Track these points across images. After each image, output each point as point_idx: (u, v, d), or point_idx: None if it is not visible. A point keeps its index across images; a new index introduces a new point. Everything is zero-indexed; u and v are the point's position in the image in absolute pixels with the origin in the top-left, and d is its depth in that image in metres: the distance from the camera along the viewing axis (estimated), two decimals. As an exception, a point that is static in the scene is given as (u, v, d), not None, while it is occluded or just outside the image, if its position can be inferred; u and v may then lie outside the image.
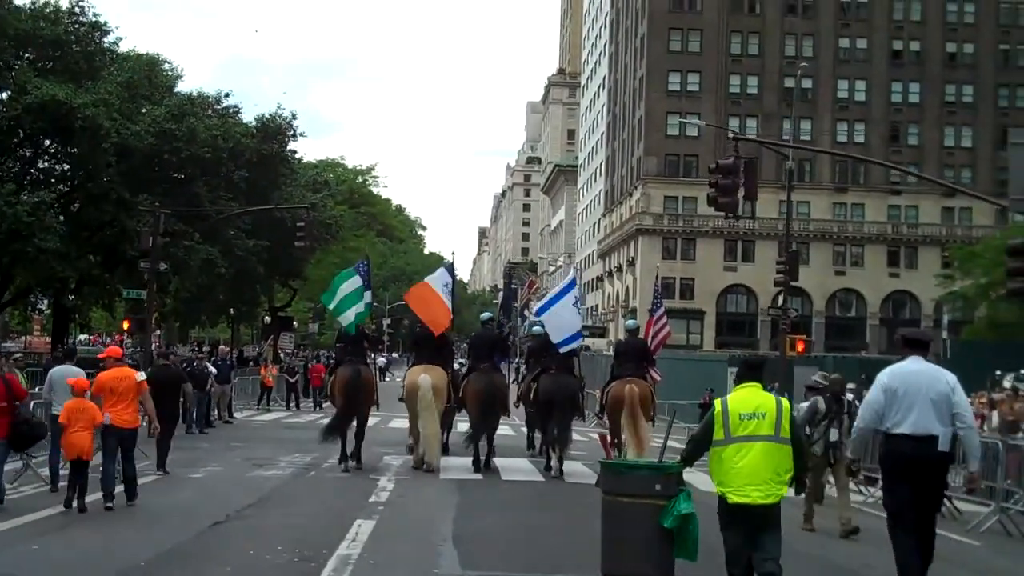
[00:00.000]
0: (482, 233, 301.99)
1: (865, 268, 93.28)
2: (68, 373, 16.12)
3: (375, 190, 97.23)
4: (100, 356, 17.31)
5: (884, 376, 10.12)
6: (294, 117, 53.40)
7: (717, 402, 9.00)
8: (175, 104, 46.54)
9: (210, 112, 49.35)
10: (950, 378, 10.04)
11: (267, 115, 52.46)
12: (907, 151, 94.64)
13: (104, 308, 54.55)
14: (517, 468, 22.26)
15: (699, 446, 9.12)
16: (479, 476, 20.47)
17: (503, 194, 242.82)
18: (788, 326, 35.99)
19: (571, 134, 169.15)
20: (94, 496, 14.76)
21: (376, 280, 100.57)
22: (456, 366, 24.31)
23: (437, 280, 22.18)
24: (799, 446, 8.97)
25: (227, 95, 52.23)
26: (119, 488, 15.01)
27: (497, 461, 22.22)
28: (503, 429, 27.12)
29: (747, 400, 8.87)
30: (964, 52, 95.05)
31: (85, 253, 44.97)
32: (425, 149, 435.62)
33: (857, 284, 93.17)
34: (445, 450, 22.82)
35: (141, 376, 15.71)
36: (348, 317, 21.78)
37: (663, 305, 29.45)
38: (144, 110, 45.80)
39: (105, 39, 46.56)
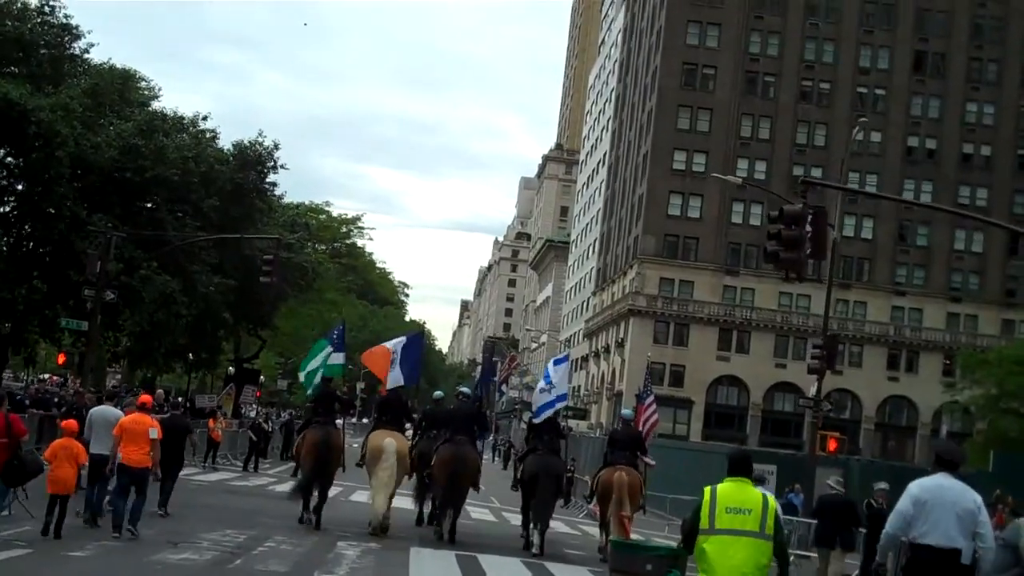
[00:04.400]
0: (464, 306, 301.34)
1: (863, 369, 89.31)
2: (108, 414, 17.78)
3: (360, 243, 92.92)
4: (138, 402, 18.06)
5: (915, 487, 10.46)
6: (276, 147, 49.09)
7: (707, 490, 9.05)
8: (144, 119, 41.90)
9: (184, 135, 44.62)
10: (977, 498, 10.38)
11: (246, 141, 47.91)
12: (915, 252, 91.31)
13: (47, 340, 48.92)
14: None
15: (692, 531, 9.05)
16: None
17: (489, 268, 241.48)
18: (821, 420, 31.44)
19: (564, 211, 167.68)
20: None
21: (355, 343, 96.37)
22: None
23: (395, 344, 23.03)
24: (780, 544, 9.05)
25: (205, 118, 47.71)
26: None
27: (482, 558, 18.28)
28: (482, 514, 27.13)
29: (734, 494, 8.95)
30: (980, 154, 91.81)
31: (28, 276, 40.03)
32: (413, 220, 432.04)
33: (854, 385, 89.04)
34: (419, 520, 23.14)
35: (154, 431, 16.86)
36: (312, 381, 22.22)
37: (652, 392, 30.99)
38: (110, 123, 41.00)
39: (75, 44, 42.08)
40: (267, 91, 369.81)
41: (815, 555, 23.64)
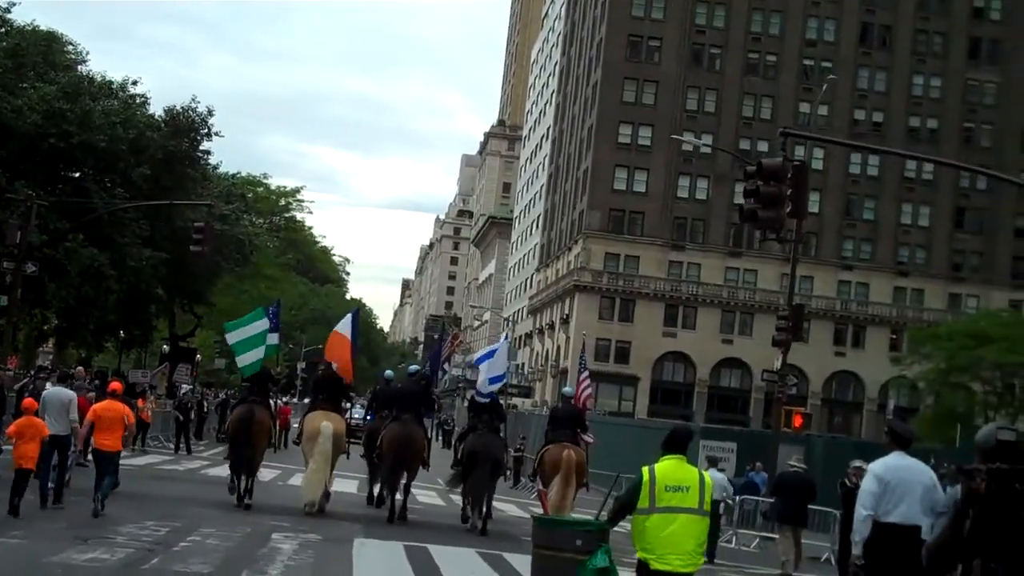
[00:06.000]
0: (405, 285, 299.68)
1: (810, 344, 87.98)
2: (61, 395, 18.07)
3: (299, 216, 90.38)
4: (109, 388, 18.94)
5: (877, 468, 10.81)
6: (210, 113, 46.70)
7: (644, 470, 9.07)
8: (69, 82, 39.52)
9: (113, 101, 42.22)
10: (932, 474, 10.90)
11: (179, 107, 45.56)
12: (861, 225, 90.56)
13: None
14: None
15: (624, 509, 9.23)
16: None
17: (430, 246, 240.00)
18: (785, 396, 29.96)
19: (506, 187, 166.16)
20: None
21: (294, 321, 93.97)
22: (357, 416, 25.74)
23: (344, 326, 23.01)
24: (713, 520, 10.85)
25: (135, 83, 45.23)
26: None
27: (433, 549, 16.61)
28: (429, 497, 26.73)
29: (673, 472, 9.06)
30: (927, 127, 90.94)
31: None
32: (355, 199, 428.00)
33: (800, 360, 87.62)
34: (370, 500, 23.50)
35: (127, 416, 17.60)
36: (245, 360, 21.80)
37: (586, 367, 30.58)
38: (32, 86, 38.54)
39: (-7, 3, 39.65)
40: (212, 71, 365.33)
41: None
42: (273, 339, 22.56)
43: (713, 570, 19.44)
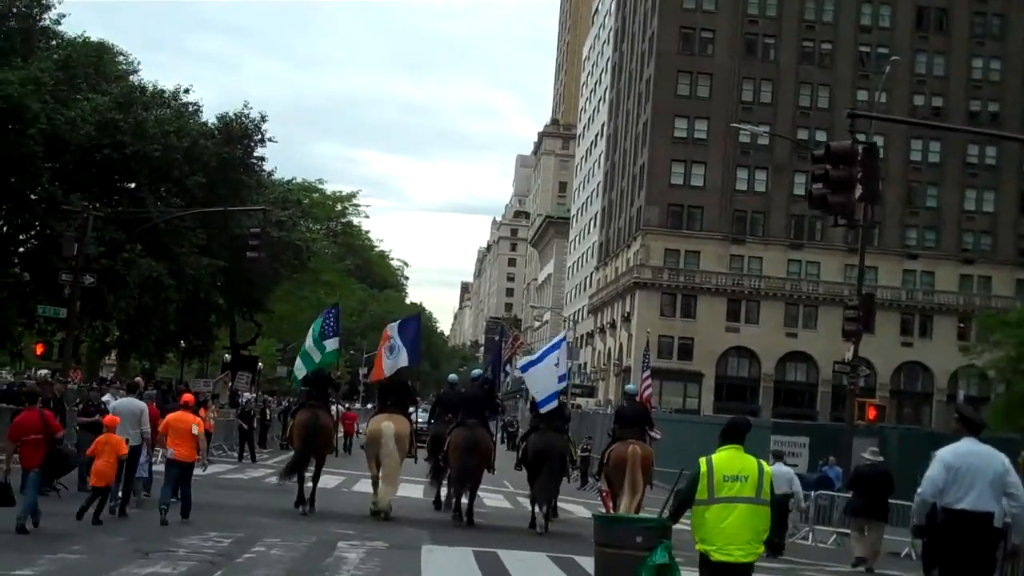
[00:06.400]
0: (464, 288, 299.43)
1: (877, 336, 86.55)
2: (132, 405, 18.59)
3: (355, 220, 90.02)
4: (181, 400, 19.67)
5: (946, 454, 10.57)
6: (263, 119, 46.50)
7: (702, 461, 9.06)
8: (121, 93, 39.40)
9: (165, 109, 42.07)
10: (1005, 459, 10.55)
11: (231, 114, 45.37)
12: (924, 213, 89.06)
13: (32, 332, 46.04)
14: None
15: (684, 502, 9.21)
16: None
17: (488, 248, 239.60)
18: (857, 388, 29.11)
19: (562, 186, 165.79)
20: None
21: (354, 327, 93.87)
22: (422, 420, 25.67)
23: (390, 330, 22.61)
24: (774, 508, 9.29)
25: (187, 91, 45.13)
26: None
27: (503, 554, 16.08)
28: (496, 500, 26.44)
29: (731, 462, 9.03)
30: (988, 110, 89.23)
31: (7, 264, 37.58)
32: (409, 204, 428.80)
33: (867, 352, 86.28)
34: (437, 505, 23.30)
35: (196, 427, 18.03)
36: (299, 365, 22.68)
37: (648, 365, 32.23)
38: (85, 98, 38.39)
39: (46, 15, 39.60)
40: (258, 79, 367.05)
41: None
42: (333, 344, 22.87)
43: (792, 569, 18.79)
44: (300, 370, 22.95)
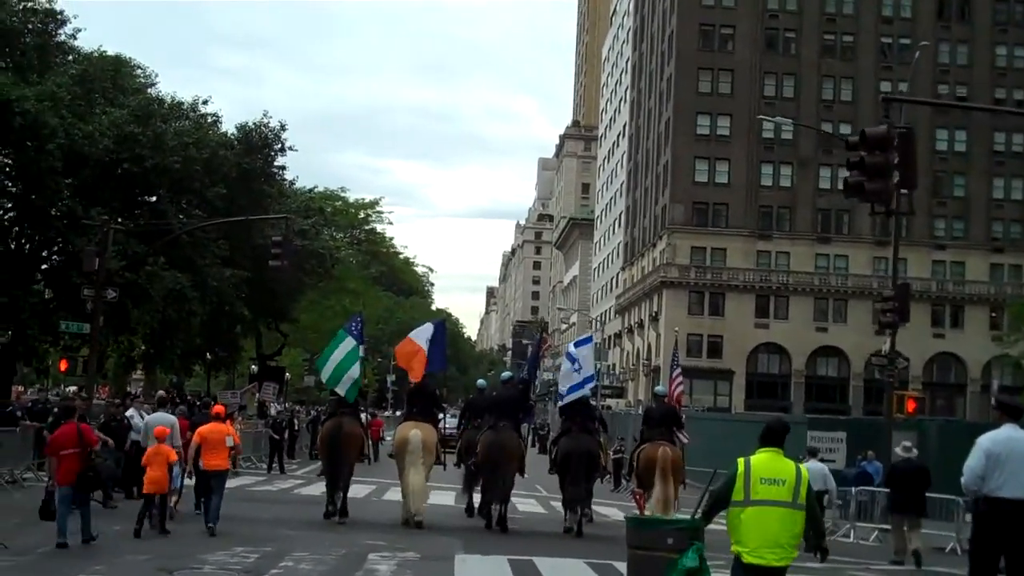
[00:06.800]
0: (490, 292, 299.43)
1: (908, 328, 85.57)
2: (163, 420, 19.23)
3: (379, 227, 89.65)
4: (212, 412, 19.91)
5: (986, 441, 10.47)
6: (283, 127, 46.22)
7: (740, 462, 8.96)
8: (139, 105, 39.09)
9: (184, 121, 41.76)
10: None
11: (251, 124, 45.07)
12: (952, 203, 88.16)
13: (56, 348, 45.61)
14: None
15: (718, 503, 9.13)
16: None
17: (512, 252, 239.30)
18: (896, 380, 28.49)
19: (585, 188, 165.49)
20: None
21: (380, 335, 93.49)
22: (451, 425, 25.89)
23: (420, 335, 22.43)
24: (813, 513, 9.02)
25: (205, 102, 44.83)
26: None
27: (539, 561, 15.62)
28: (530, 506, 26.17)
29: (769, 465, 8.92)
30: (1013, 98, 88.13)
31: (30, 280, 37.31)
32: (433, 211, 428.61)
33: (899, 345, 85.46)
34: (469, 511, 23.09)
35: (231, 439, 18.71)
36: (345, 383, 21.52)
37: (679, 364, 31.61)
38: (102, 112, 38.11)
39: (61, 30, 39.33)
40: (279, 90, 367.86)
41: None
42: (360, 352, 22.42)
43: (838, 569, 18.26)
44: (346, 386, 21.71)
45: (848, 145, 18.86)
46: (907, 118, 79.49)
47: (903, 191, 20.55)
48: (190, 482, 19.64)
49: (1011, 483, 10.21)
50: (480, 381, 26.99)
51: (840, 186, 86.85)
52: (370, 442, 27.82)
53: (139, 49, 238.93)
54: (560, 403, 22.47)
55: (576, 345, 23.37)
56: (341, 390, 21.55)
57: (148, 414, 24.31)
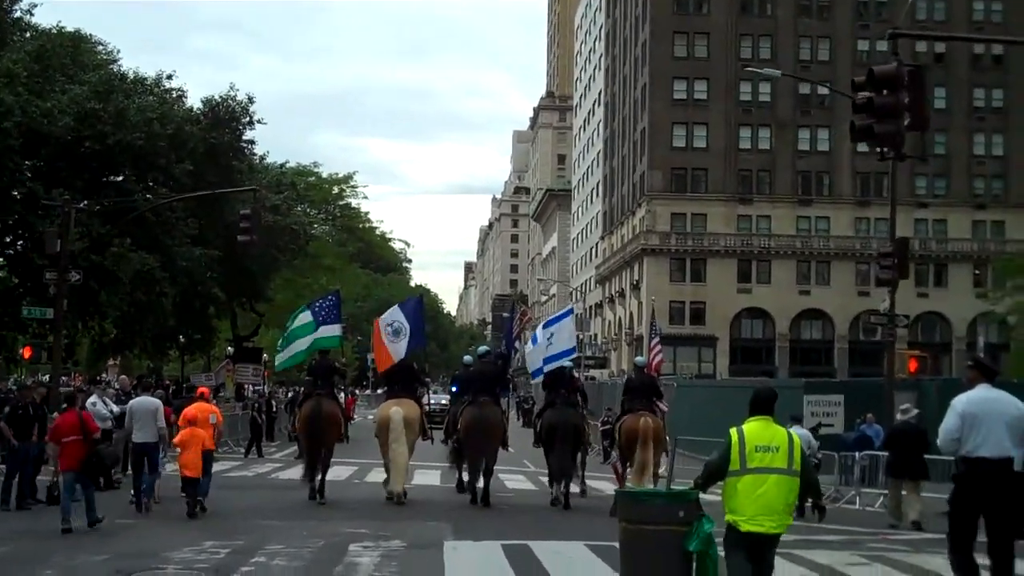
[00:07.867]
0: (468, 267, 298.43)
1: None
2: (147, 403, 18.98)
3: (354, 203, 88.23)
4: (197, 392, 20.51)
5: (960, 403, 10.59)
6: (251, 100, 44.77)
7: (733, 432, 9.01)
8: (100, 81, 37.56)
9: (149, 97, 40.20)
10: (1020, 404, 10.62)
11: (217, 97, 43.63)
12: (933, 161, 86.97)
13: (24, 336, 44.04)
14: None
15: (715, 473, 9.10)
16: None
17: (490, 226, 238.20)
18: (894, 336, 27.40)
19: (561, 159, 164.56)
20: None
21: (359, 312, 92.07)
22: (434, 400, 25.14)
23: (384, 320, 22.54)
24: (808, 475, 9.16)
25: (169, 76, 43.23)
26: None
27: (535, 546, 14.46)
28: (518, 482, 25.75)
29: (762, 433, 8.97)
30: (992, 53, 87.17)
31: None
32: (410, 188, 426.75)
33: (881, 305, 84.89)
34: (460, 486, 22.54)
35: (214, 416, 19.18)
36: (283, 356, 22.64)
37: (658, 332, 32.01)
38: (62, 89, 36.60)
39: (16, 6, 37.78)
40: (255, 74, 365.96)
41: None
42: (335, 331, 22.80)
43: (854, 540, 17.18)
44: (283, 358, 23.11)
45: (854, 85, 17.66)
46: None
47: (919, 132, 19.36)
48: (173, 467, 19.37)
49: (989, 442, 10.30)
50: (466, 357, 26.55)
51: (820, 147, 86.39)
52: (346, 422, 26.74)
53: (112, 31, 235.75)
54: (534, 379, 22.49)
55: (547, 324, 23.19)
56: (278, 360, 22.86)
57: (111, 400, 23.27)
